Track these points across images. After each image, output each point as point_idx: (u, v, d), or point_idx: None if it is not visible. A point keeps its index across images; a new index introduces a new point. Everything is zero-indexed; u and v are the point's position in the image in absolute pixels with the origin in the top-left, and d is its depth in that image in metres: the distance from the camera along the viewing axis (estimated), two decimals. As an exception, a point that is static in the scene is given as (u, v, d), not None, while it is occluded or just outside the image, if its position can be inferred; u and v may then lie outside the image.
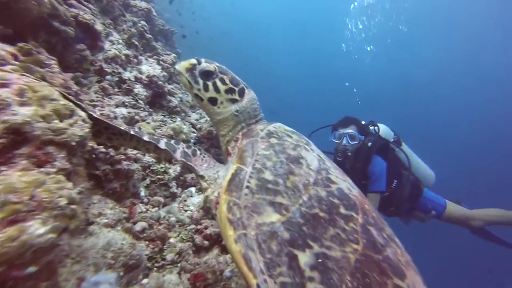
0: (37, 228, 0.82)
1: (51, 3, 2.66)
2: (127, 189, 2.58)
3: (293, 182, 1.37)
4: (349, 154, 4.04)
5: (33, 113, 1.05)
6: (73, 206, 0.95)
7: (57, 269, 1.02)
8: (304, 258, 1.14)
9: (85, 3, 3.64)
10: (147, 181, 2.86)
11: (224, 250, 2.26)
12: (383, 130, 4.40)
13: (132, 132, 1.68)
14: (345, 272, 1.15)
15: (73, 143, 1.15)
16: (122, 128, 1.68)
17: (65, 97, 1.26)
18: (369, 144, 4.03)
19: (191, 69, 1.79)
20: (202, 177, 1.68)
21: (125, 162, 2.48)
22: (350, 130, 4.10)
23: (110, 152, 2.38)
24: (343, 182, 1.52)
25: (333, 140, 4.27)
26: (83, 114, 1.27)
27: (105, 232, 1.85)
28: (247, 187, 1.35)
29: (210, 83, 1.79)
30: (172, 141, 1.78)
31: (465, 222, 4.27)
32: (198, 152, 1.81)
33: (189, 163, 1.71)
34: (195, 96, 1.87)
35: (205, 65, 1.79)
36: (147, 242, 2.10)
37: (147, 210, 2.39)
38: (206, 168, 1.74)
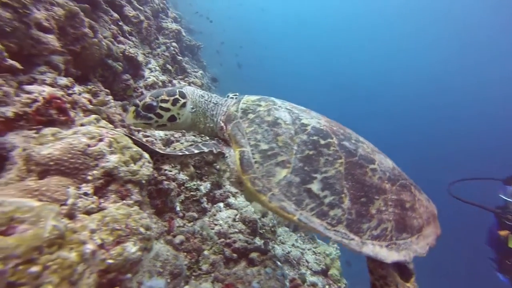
0: (131, 248, 1.17)
1: (107, 45, 3.15)
2: (165, 204, 2.97)
3: (282, 141, 1.80)
4: None
5: (118, 160, 1.43)
6: (149, 232, 1.30)
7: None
8: (315, 187, 1.67)
9: (129, 37, 4.18)
10: (182, 197, 3.24)
11: (251, 263, 2.57)
12: None
13: (187, 153, 1.92)
14: (342, 180, 1.72)
15: (143, 181, 1.52)
16: (179, 153, 1.93)
17: (135, 143, 1.64)
18: None
19: (137, 114, 1.96)
20: (224, 154, 1.96)
21: (165, 182, 2.87)
22: None
23: (154, 174, 2.78)
24: (312, 119, 1.97)
25: (504, 197, 3.59)
26: (147, 156, 1.64)
27: (153, 244, 2.22)
28: (255, 162, 1.76)
29: (158, 111, 1.98)
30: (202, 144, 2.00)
31: None
32: (212, 142, 2.06)
33: (220, 149, 1.97)
34: (158, 127, 2.06)
35: (142, 102, 1.95)
36: (185, 254, 2.44)
37: (184, 224, 2.74)
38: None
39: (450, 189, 3.84)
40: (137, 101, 1.98)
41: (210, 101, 2.21)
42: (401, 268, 1.91)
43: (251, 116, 1.96)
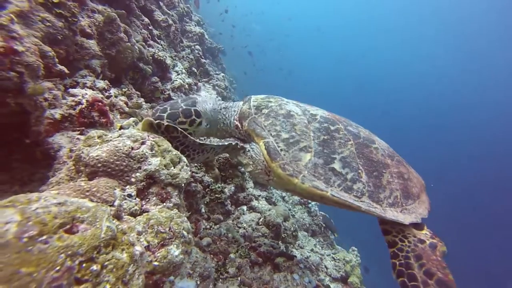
0: (175, 251, 1.20)
1: (140, 49, 3.25)
2: (191, 206, 3.02)
3: (300, 129, 1.98)
4: None
5: (159, 163, 1.47)
6: (190, 235, 1.33)
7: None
8: (337, 165, 1.88)
9: (158, 40, 4.30)
10: (207, 199, 3.28)
11: (276, 268, 2.55)
12: None
13: (220, 144, 1.99)
14: (356, 158, 1.95)
15: (183, 185, 1.55)
16: (214, 144, 1.97)
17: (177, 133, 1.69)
18: None
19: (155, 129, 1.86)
20: (246, 149, 2.08)
21: (193, 184, 2.92)
22: None
23: (182, 175, 2.84)
24: (318, 110, 2.23)
25: None
26: (185, 159, 1.68)
27: (192, 247, 2.26)
28: (281, 150, 1.90)
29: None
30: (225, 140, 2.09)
31: None
32: (231, 138, 2.18)
33: (242, 144, 2.09)
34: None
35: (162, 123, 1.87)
36: (211, 256, 2.47)
37: (210, 227, 2.77)
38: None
39: None
40: (155, 123, 1.93)
41: (220, 109, 2.30)
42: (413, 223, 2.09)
43: (265, 111, 2.12)
